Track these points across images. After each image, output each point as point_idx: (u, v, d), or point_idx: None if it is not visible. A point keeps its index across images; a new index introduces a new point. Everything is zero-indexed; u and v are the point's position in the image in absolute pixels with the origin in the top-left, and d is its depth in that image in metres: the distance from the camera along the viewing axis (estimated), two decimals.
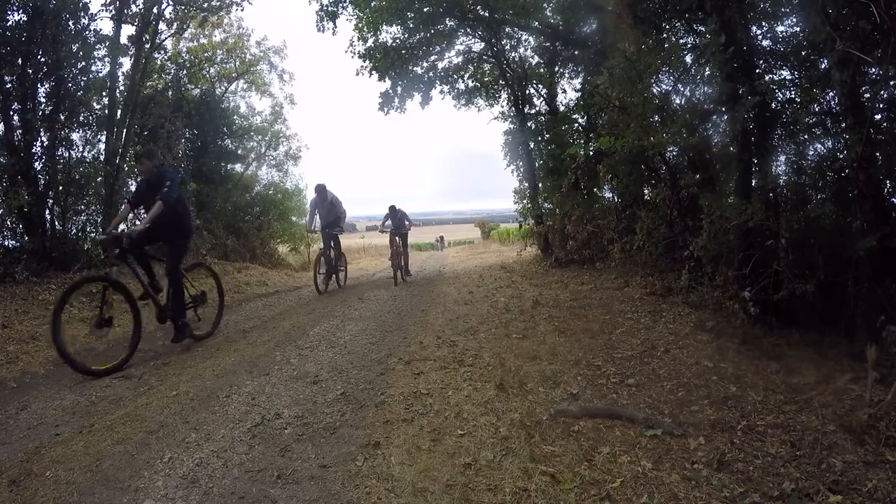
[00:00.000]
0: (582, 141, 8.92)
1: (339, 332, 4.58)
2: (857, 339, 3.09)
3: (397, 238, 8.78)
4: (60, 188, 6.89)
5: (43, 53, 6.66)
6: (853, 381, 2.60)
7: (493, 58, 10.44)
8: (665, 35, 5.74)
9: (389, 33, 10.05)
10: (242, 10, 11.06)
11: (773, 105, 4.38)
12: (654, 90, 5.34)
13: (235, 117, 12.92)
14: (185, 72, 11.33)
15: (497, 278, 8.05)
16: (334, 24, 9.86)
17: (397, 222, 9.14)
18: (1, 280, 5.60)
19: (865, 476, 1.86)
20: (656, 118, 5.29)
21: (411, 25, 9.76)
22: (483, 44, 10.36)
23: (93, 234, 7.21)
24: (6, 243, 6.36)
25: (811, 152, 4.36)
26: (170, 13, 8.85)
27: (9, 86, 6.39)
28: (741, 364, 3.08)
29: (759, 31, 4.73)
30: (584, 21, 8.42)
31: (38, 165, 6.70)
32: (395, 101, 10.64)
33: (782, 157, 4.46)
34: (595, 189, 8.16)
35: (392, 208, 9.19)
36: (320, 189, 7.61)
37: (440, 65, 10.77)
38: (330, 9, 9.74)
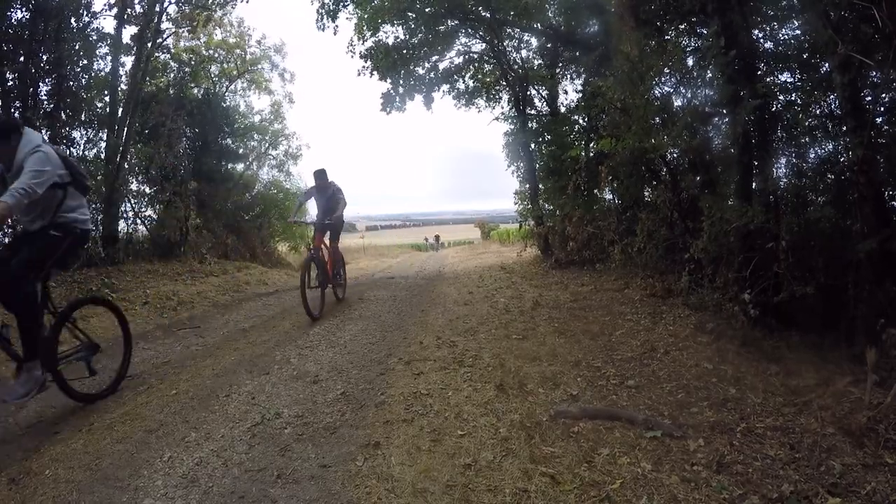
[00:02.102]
0: (583, 142, 8.93)
1: (339, 331, 4.58)
2: (857, 342, 3.09)
3: (324, 233, 5.69)
4: None
5: (45, 51, 6.67)
6: (852, 383, 2.60)
7: (494, 58, 10.46)
8: (667, 37, 5.74)
9: (390, 33, 10.10)
10: (247, 3, 11.05)
11: (774, 108, 4.38)
12: (656, 92, 5.34)
13: (237, 116, 12.95)
14: (187, 70, 11.35)
15: (497, 279, 8.05)
16: (334, 22, 9.89)
17: (327, 203, 5.64)
18: None
19: (864, 479, 1.86)
20: (657, 120, 5.30)
21: (412, 26, 9.79)
22: (484, 44, 10.38)
23: (93, 233, 7.23)
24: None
25: (812, 155, 4.36)
26: (172, 12, 8.88)
27: (10, 83, 6.40)
28: (741, 366, 3.08)
29: (760, 34, 4.74)
30: (586, 23, 8.45)
31: None
32: (397, 101, 10.68)
33: (783, 160, 4.46)
34: (595, 190, 8.17)
35: (320, 175, 5.62)
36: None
37: (441, 65, 10.82)
38: (331, 7, 9.76)
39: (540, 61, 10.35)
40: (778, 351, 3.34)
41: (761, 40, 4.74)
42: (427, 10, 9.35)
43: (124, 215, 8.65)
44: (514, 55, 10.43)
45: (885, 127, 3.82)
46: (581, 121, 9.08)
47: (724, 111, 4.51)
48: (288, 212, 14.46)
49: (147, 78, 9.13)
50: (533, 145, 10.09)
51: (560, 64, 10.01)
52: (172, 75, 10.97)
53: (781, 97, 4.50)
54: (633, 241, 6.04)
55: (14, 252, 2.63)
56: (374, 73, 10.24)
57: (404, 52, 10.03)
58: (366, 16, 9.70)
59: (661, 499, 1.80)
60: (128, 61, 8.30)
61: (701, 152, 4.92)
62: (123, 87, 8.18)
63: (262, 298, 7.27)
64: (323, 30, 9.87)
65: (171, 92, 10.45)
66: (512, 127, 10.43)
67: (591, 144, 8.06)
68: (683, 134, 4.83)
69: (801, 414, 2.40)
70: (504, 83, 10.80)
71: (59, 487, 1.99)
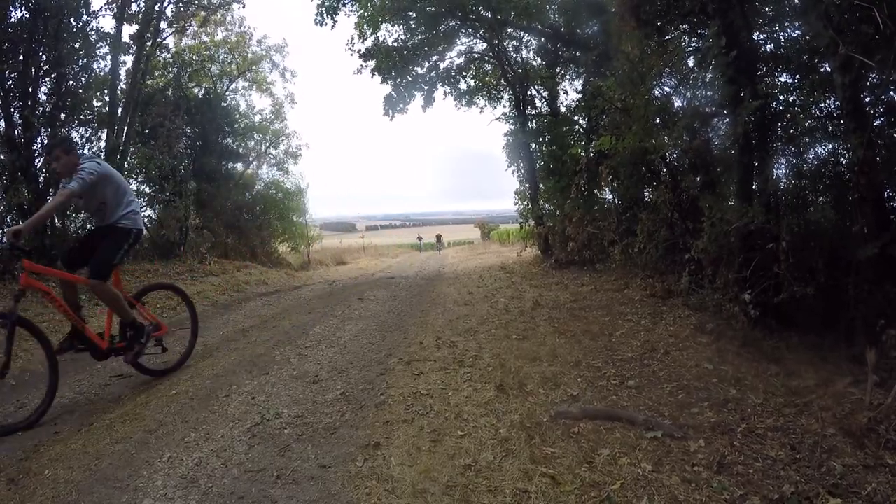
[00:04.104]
0: (583, 142, 8.93)
1: (339, 331, 4.57)
2: (857, 343, 3.08)
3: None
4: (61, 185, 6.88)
5: (44, 51, 6.67)
6: (853, 384, 2.60)
7: (494, 59, 10.48)
8: (668, 38, 5.73)
9: (392, 32, 10.10)
10: (243, 7, 11.06)
11: (775, 108, 4.38)
12: (657, 92, 5.35)
13: (237, 115, 12.95)
14: (187, 70, 11.35)
15: (497, 279, 8.05)
16: (333, 19, 9.89)
17: (88, 200, 3.19)
18: (0, 277, 5.60)
19: (865, 479, 1.85)
20: (658, 120, 5.30)
21: (413, 25, 9.80)
22: (485, 44, 10.39)
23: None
24: (5, 240, 6.36)
25: (812, 156, 4.36)
26: (171, 11, 8.87)
27: (10, 83, 6.40)
28: (741, 366, 3.08)
29: (761, 35, 4.73)
30: (587, 23, 8.45)
31: (38, 162, 6.71)
32: (399, 105, 10.70)
33: (783, 161, 4.46)
34: (596, 191, 8.17)
35: (61, 148, 3.15)
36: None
37: (442, 65, 10.85)
38: (332, 4, 9.78)
39: (540, 61, 10.36)
40: (778, 351, 3.33)
41: (762, 41, 4.73)
42: (428, 9, 9.35)
43: None
44: (515, 55, 10.45)
45: (885, 128, 3.82)
46: (581, 121, 9.09)
47: (725, 112, 4.51)
48: (288, 211, 14.39)
49: (147, 77, 9.13)
50: (533, 145, 10.10)
51: (560, 64, 10.02)
52: (172, 75, 10.96)
53: (781, 98, 4.49)
54: (633, 241, 6.04)
55: None
56: (375, 73, 10.26)
57: (405, 52, 10.04)
58: (367, 15, 9.71)
59: (662, 499, 1.80)
60: (127, 60, 8.31)
61: (701, 152, 4.91)
62: (123, 86, 8.19)
63: (261, 298, 7.28)
64: (321, 25, 9.90)
65: (171, 91, 10.45)
66: (512, 127, 10.46)
67: (592, 145, 8.06)
68: (684, 134, 4.83)
69: (801, 414, 2.39)
70: (504, 83, 10.83)
71: (58, 488, 1.99)
